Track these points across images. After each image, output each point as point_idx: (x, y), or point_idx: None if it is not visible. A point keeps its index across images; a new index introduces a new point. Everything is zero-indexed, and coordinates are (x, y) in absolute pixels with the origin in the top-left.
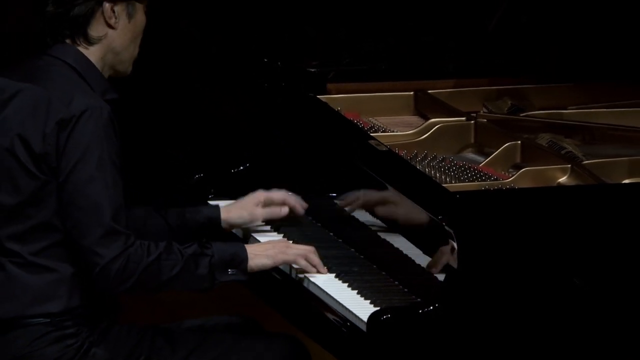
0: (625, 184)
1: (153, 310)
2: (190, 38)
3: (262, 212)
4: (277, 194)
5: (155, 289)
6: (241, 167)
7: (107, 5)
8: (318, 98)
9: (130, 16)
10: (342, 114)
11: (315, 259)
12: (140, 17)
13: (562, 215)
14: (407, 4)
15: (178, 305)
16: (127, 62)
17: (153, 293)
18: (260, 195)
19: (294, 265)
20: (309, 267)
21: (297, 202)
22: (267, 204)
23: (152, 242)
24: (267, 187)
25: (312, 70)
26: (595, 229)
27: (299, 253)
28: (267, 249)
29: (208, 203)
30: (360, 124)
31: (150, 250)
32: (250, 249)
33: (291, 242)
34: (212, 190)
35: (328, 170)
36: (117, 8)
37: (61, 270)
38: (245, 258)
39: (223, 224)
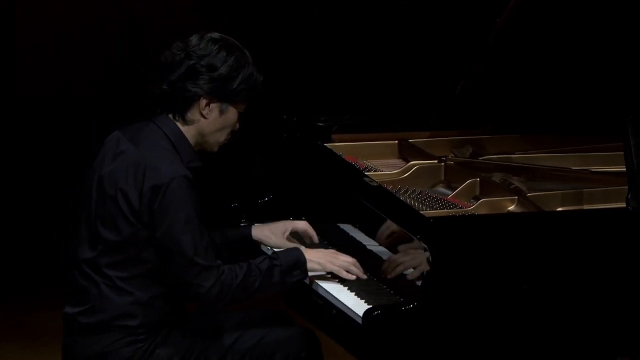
0: (558, 211)
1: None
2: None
3: (284, 241)
4: (300, 225)
5: (245, 300)
6: (266, 199)
7: (203, 101)
8: (325, 145)
9: (222, 112)
10: (344, 157)
11: (356, 270)
12: (231, 115)
13: (512, 236)
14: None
15: None
16: (212, 144)
17: (244, 302)
18: (288, 225)
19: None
20: (349, 277)
21: (314, 232)
22: (292, 232)
23: (236, 265)
24: (285, 213)
25: (320, 124)
26: (537, 246)
27: (343, 265)
28: (319, 257)
29: (241, 225)
30: (357, 165)
31: (237, 273)
32: (306, 254)
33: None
34: (244, 216)
35: (333, 201)
36: (212, 104)
37: (139, 295)
38: (305, 261)
39: (254, 238)
